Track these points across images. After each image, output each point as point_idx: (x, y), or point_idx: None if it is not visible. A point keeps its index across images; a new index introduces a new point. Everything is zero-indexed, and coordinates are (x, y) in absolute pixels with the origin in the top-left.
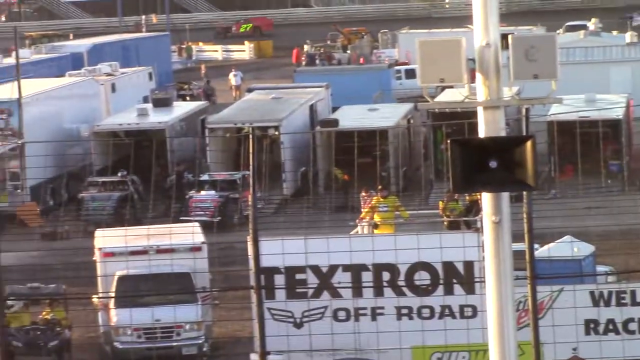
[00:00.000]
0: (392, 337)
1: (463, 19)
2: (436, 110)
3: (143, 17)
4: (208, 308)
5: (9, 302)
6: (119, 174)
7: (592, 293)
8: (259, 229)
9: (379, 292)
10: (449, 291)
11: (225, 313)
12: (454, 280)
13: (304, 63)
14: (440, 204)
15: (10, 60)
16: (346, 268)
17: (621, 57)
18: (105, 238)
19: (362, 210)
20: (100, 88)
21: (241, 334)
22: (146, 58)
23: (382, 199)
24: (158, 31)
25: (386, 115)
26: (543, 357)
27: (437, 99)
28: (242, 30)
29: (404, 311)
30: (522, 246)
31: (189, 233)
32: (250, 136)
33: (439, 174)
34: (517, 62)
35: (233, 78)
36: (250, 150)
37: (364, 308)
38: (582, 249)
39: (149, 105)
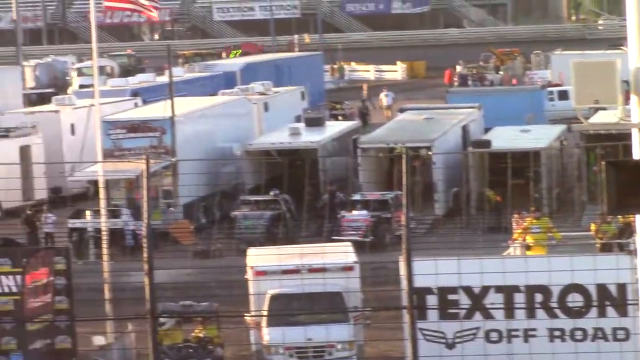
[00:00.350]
0: (544, 358)
1: (617, 41)
2: (590, 131)
3: (296, 36)
4: (360, 328)
5: (162, 320)
6: (272, 193)
7: None
8: (411, 249)
9: (531, 313)
10: (601, 313)
11: (377, 333)
12: (607, 303)
13: (456, 84)
14: (593, 226)
15: (164, 79)
16: (498, 289)
17: None
18: (258, 257)
19: (515, 231)
20: (253, 107)
21: (393, 354)
22: (299, 77)
23: (534, 221)
24: (311, 51)
25: (539, 137)
26: None
27: (590, 121)
28: (231, 56)
29: (557, 333)
30: None
31: (341, 252)
32: (404, 156)
33: (591, 196)
34: None
35: (384, 98)
36: (404, 170)
37: (517, 329)
38: None
39: (301, 125)
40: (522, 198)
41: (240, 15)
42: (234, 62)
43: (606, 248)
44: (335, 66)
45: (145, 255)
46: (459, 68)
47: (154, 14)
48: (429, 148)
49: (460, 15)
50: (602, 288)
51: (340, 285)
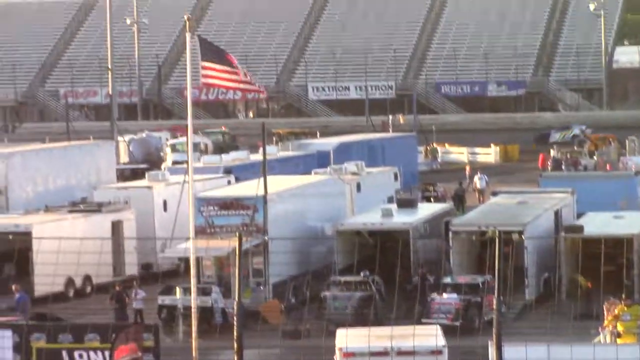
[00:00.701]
0: None
1: None
2: None
3: (390, 116)
4: None
5: None
6: (362, 274)
7: None
8: (501, 334)
9: None
10: None
11: None
12: None
13: (550, 168)
14: None
15: (257, 157)
16: None
17: None
18: (347, 338)
19: (605, 318)
20: (346, 187)
21: None
22: (392, 158)
23: (625, 308)
24: (404, 131)
25: (632, 223)
26: None
27: None
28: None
29: None
30: None
31: (430, 336)
32: (496, 240)
33: None
34: None
35: (478, 181)
36: (496, 254)
37: None
38: None
39: (393, 206)
40: (613, 285)
41: (335, 95)
42: (327, 142)
43: None
44: (428, 147)
45: (235, 333)
46: (552, 152)
47: (255, 88)
48: (521, 232)
49: (555, 99)
50: None
51: None
